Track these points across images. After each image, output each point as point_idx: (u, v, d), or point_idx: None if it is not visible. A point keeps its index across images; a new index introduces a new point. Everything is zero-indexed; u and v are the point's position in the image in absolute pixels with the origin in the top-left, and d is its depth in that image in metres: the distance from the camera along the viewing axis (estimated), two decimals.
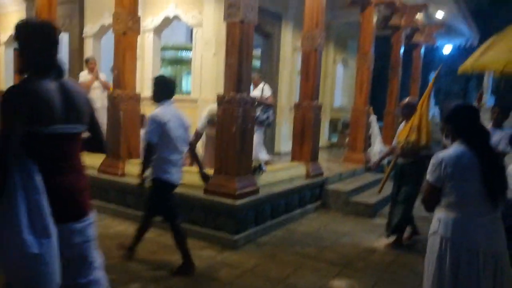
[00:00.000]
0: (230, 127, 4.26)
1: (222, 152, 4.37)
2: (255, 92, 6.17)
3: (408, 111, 4.36)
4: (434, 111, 13.19)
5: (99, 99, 5.75)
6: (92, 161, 5.54)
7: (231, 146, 4.28)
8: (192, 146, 5.29)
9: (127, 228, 4.54)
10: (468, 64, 5.03)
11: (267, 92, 6.11)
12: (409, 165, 4.25)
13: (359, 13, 7.47)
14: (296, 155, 5.87)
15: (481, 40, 12.83)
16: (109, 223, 4.73)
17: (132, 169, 5.13)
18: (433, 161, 2.09)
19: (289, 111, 8.63)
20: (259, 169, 4.70)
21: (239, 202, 4.16)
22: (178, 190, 4.54)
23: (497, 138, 4.34)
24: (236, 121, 4.23)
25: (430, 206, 2.16)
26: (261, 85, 6.13)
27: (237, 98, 4.20)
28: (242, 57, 4.23)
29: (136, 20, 5.24)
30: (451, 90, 14.25)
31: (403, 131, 4.30)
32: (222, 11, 6.60)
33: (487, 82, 10.41)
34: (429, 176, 2.11)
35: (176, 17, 7.14)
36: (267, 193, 4.64)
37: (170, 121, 3.30)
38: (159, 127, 3.27)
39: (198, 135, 5.21)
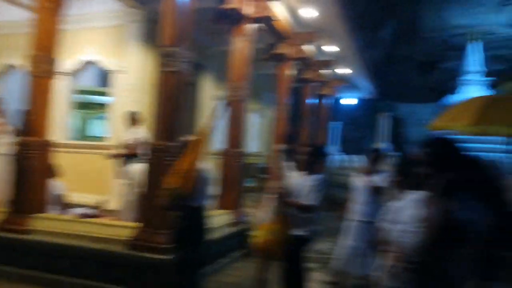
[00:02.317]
0: (160, 176, 4.10)
1: (150, 204, 4.16)
2: (128, 135, 5.73)
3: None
4: (342, 157, 14.19)
5: (6, 145, 5.02)
6: None
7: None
8: None
9: None
10: (463, 125, 5.16)
11: (142, 136, 5.37)
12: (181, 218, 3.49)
13: (276, 67, 7.97)
14: (222, 202, 5.82)
15: (379, 94, 14.63)
16: None
17: (41, 224, 4.58)
18: None
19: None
20: None
21: (167, 256, 3.94)
22: (96, 246, 4.19)
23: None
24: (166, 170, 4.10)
25: None
26: (138, 128, 5.70)
27: (168, 146, 4.11)
28: (175, 106, 4.20)
29: (54, 64, 4.92)
30: (352, 138, 15.97)
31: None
32: (144, 59, 6.67)
33: (381, 131, 11.74)
34: None
35: (94, 62, 6.87)
36: None
37: None
38: None
39: None
